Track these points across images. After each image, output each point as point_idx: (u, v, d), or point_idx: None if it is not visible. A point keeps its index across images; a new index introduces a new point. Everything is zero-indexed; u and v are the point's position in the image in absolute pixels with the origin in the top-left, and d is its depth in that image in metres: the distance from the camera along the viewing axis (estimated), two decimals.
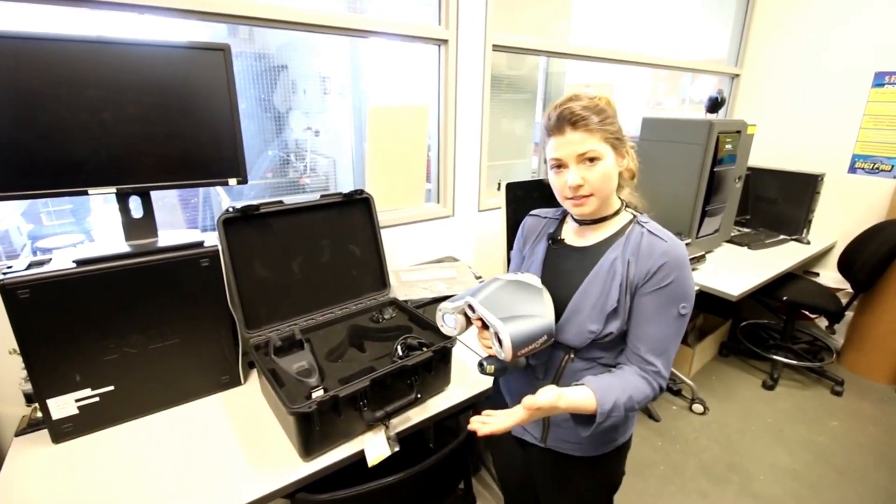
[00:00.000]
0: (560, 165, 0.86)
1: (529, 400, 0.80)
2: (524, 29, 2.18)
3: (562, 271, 0.95)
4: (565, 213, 1.01)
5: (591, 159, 0.83)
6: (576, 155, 0.83)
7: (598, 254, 0.91)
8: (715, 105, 2.35)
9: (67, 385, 1.03)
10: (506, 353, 0.81)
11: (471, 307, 0.87)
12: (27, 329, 0.96)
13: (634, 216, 0.92)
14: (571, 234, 0.98)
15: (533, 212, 1.08)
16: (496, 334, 0.82)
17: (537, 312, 0.86)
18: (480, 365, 0.88)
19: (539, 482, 1.09)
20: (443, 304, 0.92)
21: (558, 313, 0.92)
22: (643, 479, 1.95)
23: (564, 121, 0.83)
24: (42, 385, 1.00)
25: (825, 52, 2.85)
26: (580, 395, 0.82)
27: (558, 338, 0.92)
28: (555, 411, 0.82)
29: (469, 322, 0.91)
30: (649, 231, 0.88)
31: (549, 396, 0.79)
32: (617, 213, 0.92)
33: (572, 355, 0.92)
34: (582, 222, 0.94)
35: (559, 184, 0.87)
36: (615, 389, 0.83)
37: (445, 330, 0.94)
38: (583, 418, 0.84)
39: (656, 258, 0.84)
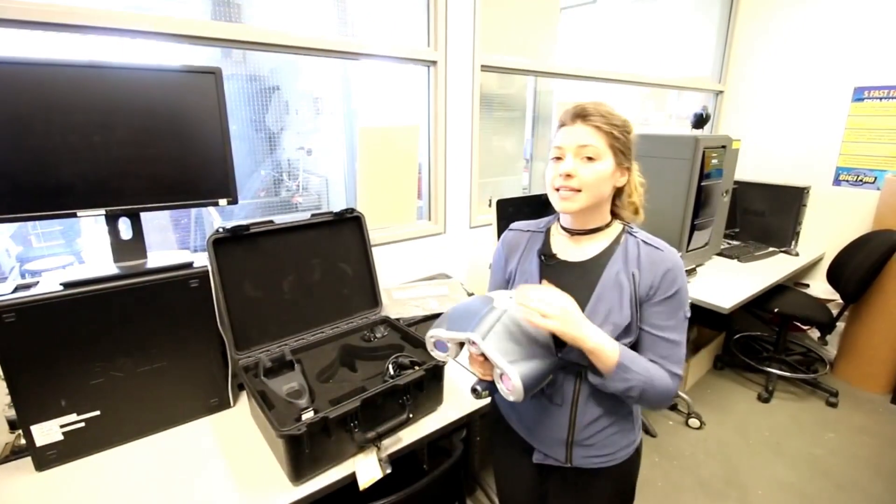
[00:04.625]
0: (559, 157, 0.87)
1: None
2: (512, 49, 2.23)
3: (563, 288, 0.91)
4: (549, 226, 1.01)
5: (590, 158, 0.85)
6: (576, 146, 0.85)
7: (598, 267, 0.90)
8: (700, 121, 2.40)
9: (52, 410, 1.01)
10: (515, 397, 0.77)
11: (472, 342, 0.81)
12: (12, 353, 0.95)
13: (624, 226, 0.94)
14: (563, 249, 0.96)
15: (512, 226, 1.05)
16: (502, 375, 0.78)
17: (543, 350, 0.83)
18: (475, 391, 0.86)
19: (560, 500, 1.06)
20: (435, 332, 0.85)
21: None
22: (641, 496, 1.92)
23: (576, 114, 0.86)
24: (26, 411, 0.98)
25: (806, 68, 2.94)
26: (607, 338, 0.83)
27: (569, 358, 0.90)
28: (576, 324, 0.80)
29: (461, 347, 0.87)
30: (643, 241, 0.90)
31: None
32: (608, 225, 0.93)
33: (583, 374, 0.92)
34: (574, 231, 0.94)
35: (553, 173, 0.88)
36: (644, 362, 0.86)
37: (437, 355, 0.89)
38: (596, 370, 0.86)
39: (659, 268, 0.86)
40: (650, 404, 0.88)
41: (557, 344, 0.87)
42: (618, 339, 0.86)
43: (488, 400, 1.16)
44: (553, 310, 0.78)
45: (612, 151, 0.86)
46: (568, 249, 0.95)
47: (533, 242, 1.00)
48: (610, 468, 0.98)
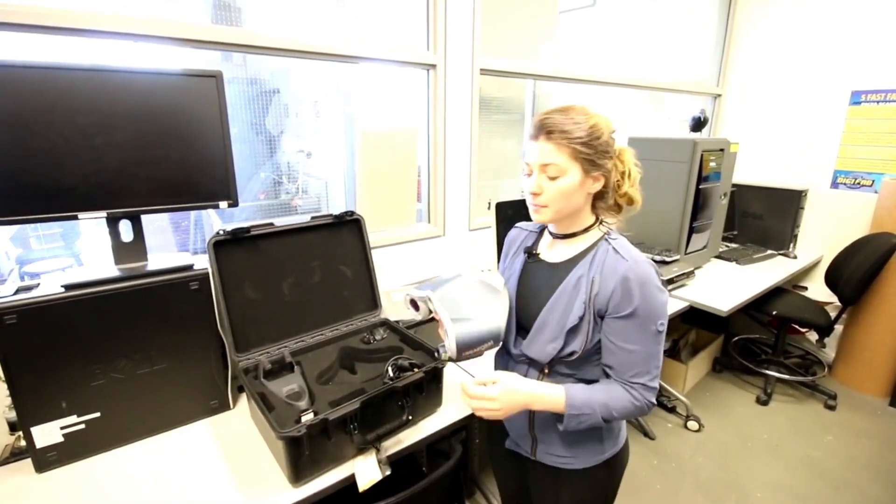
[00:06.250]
0: (528, 171, 0.89)
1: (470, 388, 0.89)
2: (511, 53, 2.24)
3: (534, 286, 0.97)
4: (544, 227, 1.04)
5: (552, 177, 0.85)
6: (539, 164, 0.86)
7: (566, 271, 0.92)
8: (698, 124, 2.41)
9: (53, 412, 1.01)
10: (450, 352, 0.89)
11: (429, 299, 0.92)
12: (13, 355, 0.95)
13: (604, 234, 0.93)
14: (546, 249, 0.99)
15: (517, 224, 1.11)
16: (446, 331, 0.89)
17: (488, 316, 0.91)
18: (437, 351, 0.93)
19: (533, 495, 1.10)
20: (411, 290, 0.97)
21: (528, 329, 0.94)
22: (640, 499, 1.93)
23: (541, 129, 0.85)
24: (27, 412, 0.98)
25: (803, 72, 2.96)
26: (549, 390, 0.88)
27: (527, 353, 0.94)
28: (517, 397, 0.87)
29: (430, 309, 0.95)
30: (614, 249, 0.88)
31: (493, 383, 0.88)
32: (588, 229, 0.93)
33: (546, 371, 0.94)
34: (555, 235, 0.97)
35: (524, 188, 0.91)
36: (592, 391, 0.88)
37: (410, 313, 0.99)
38: (559, 414, 0.89)
39: (618, 278, 0.84)
40: (623, 419, 0.93)
41: (521, 327, 0.97)
42: (566, 341, 0.88)
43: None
44: (494, 403, 0.86)
45: (577, 163, 0.84)
46: (550, 250, 0.99)
47: (526, 241, 1.05)
48: (574, 472, 0.98)
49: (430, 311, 0.95)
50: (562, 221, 0.92)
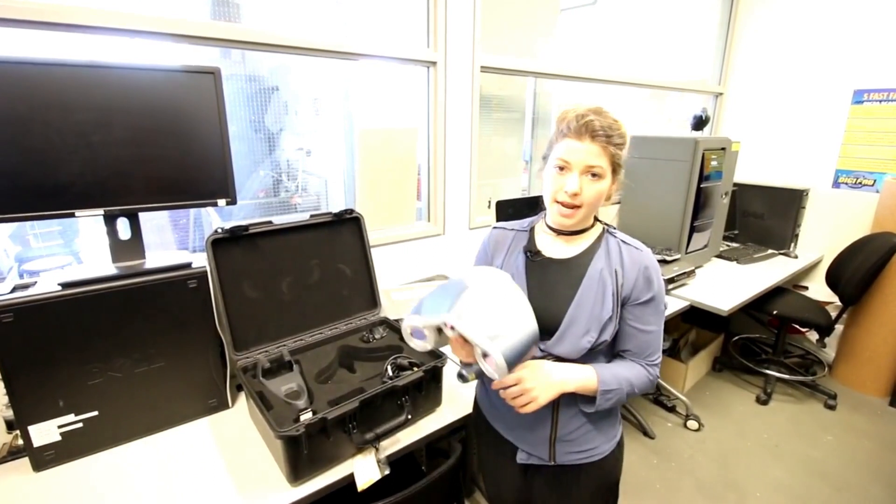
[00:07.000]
0: (564, 168, 0.88)
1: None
2: (512, 50, 2.23)
3: (548, 285, 0.95)
4: (533, 225, 1.03)
5: (595, 175, 0.87)
6: (585, 165, 0.86)
7: (582, 265, 0.93)
8: (700, 123, 2.40)
9: (50, 411, 1.01)
10: (499, 374, 0.77)
11: (449, 325, 0.80)
12: (10, 353, 0.94)
13: (605, 227, 0.98)
14: (548, 246, 0.98)
15: (496, 224, 1.08)
16: (484, 354, 0.77)
17: (521, 321, 0.82)
18: (460, 376, 0.85)
19: (544, 501, 1.06)
20: (409, 320, 0.85)
21: (553, 328, 0.92)
22: (639, 499, 1.93)
23: (587, 130, 0.85)
24: (24, 411, 0.98)
25: (805, 70, 2.94)
26: (580, 371, 0.91)
27: (553, 351, 0.92)
28: (553, 384, 0.89)
29: (440, 333, 0.85)
30: (623, 241, 0.95)
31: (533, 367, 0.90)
32: (592, 225, 0.97)
33: None
34: (560, 232, 0.96)
35: (556, 185, 0.89)
36: (615, 368, 0.93)
37: (415, 345, 0.88)
38: (586, 397, 0.93)
39: (639, 267, 0.91)
40: (640, 394, 1.00)
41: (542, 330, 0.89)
42: (600, 333, 0.90)
43: (474, 383, 1.11)
44: (527, 397, 0.87)
45: (610, 167, 0.88)
46: (552, 247, 0.98)
47: (518, 240, 1.02)
48: (593, 464, 1.00)
49: (438, 340, 0.85)
50: (581, 221, 0.93)
